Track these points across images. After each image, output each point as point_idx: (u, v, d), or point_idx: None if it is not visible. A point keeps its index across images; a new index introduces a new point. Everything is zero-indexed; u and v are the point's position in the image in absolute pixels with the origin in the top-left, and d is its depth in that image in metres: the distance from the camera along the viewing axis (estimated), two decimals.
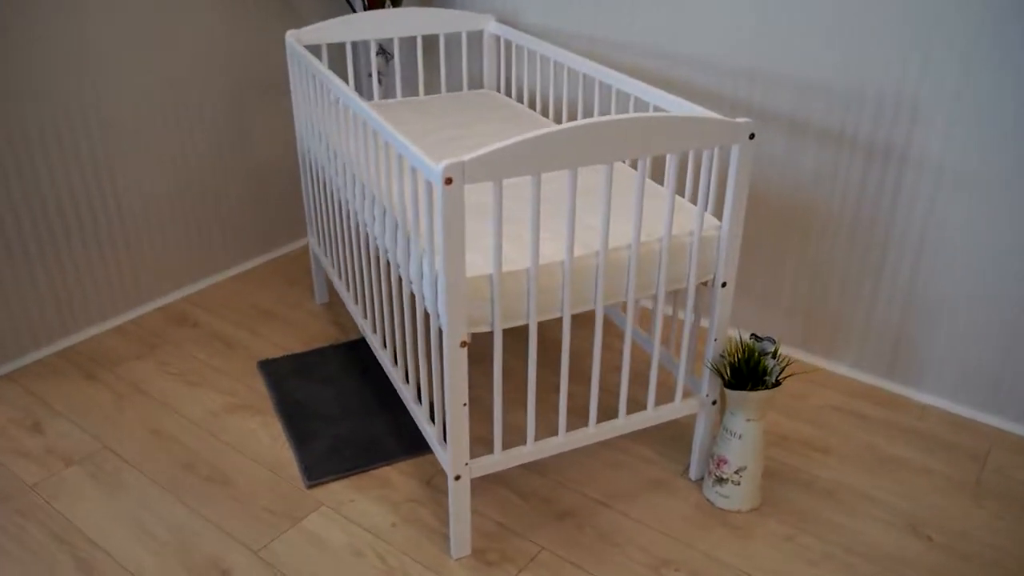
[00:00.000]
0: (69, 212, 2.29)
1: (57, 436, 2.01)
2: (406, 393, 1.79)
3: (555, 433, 1.95)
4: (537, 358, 2.32)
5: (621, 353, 2.28)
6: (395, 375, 1.86)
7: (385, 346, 1.92)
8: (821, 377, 2.24)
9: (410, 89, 2.89)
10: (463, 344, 1.44)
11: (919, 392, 2.14)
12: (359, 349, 2.34)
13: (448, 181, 1.30)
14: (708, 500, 1.81)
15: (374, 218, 1.75)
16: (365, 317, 2.02)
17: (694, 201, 1.87)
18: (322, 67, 1.89)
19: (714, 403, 1.79)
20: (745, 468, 1.74)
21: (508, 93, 2.51)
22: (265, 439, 2.00)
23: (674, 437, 2.01)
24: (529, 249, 1.51)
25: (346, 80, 2.79)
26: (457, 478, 1.57)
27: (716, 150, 1.55)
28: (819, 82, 2.01)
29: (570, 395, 2.16)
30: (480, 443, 1.97)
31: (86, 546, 1.70)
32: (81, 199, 2.30)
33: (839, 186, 2.08)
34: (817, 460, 1.94)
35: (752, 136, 1.51)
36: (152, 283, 2.55)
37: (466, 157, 1.30)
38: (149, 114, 2.40)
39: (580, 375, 2.22)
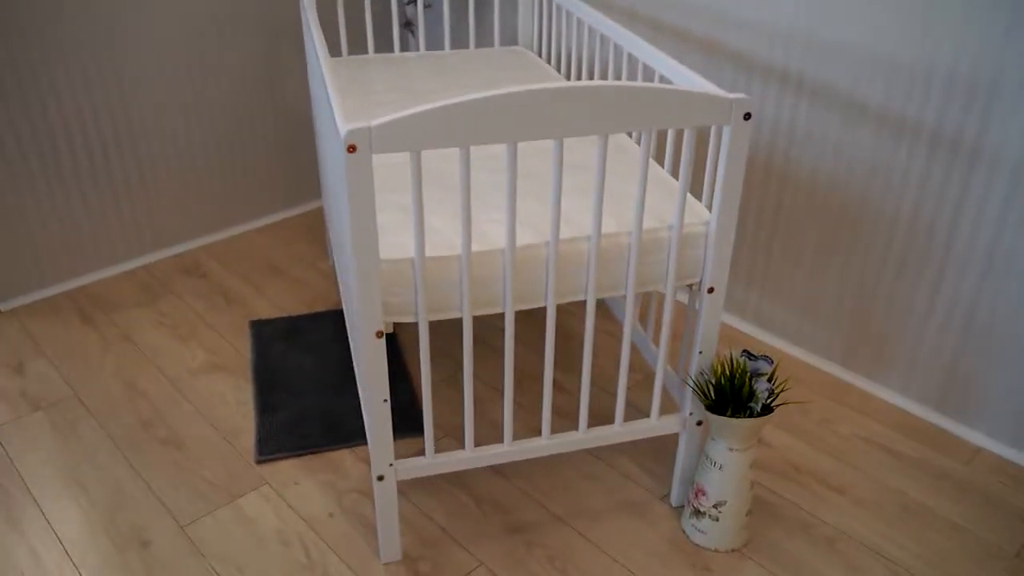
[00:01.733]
0: (81, 153, 2.25)
1: (35, 379, 1.99)
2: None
3: (527, 437, 1.76)
4: (519, 354, 2.12)
5: (608, 334, 2.06)
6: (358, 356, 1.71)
7: None
8: (857, 400, 1.93)
9: (439, 44, 2.69)
10: (379, 335, 1.27)
11: (971, 431, 1.81)
12: None
13: (351, 149, 1.12)
14: (684, 532, 1.58)
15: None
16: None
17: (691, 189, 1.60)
18: (308, 11, 1.73)
19: (699, 424, 1.55)
20: (725, 503, 1.50)
21: (542, 54, 2.28)
22: (231, 404, 1.91)
23: (667, 454, 1.78)
24: (460, 233, 1.31)
25: (364, 25, 2.63)
26: (380, 478, 1.41)
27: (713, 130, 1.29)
28: (883, 54, 1.68)
29: (527, 401, 1.96)
30: (486, 439, 1.80)
31: (18, 493, 1.66)
32: (94, 139, 2.26)
33: (896, 181, 1.75)
34: (826, 499, 1.66)
35: (748, 116, 1.25)
36: (169, 230, 2.50)
37: (374, 122, 1.11)
38: (171, 55, 2.32)
39: (559, 356, 2.01)
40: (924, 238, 1.75)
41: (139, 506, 1.64)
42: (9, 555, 1.53)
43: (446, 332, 2.15)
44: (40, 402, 1.91)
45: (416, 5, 2.35)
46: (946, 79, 1.61)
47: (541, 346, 2.10)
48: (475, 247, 1.29)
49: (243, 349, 2.10)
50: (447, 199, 1.44)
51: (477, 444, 1.78)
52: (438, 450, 1.76)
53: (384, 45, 2.77)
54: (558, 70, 2.23)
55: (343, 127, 1.12)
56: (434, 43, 2.73)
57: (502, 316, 2.22)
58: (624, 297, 1.42)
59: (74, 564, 1.51)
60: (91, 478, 1.70)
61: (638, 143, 1.75)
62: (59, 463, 1.74)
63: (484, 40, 2.61)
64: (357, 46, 2.67)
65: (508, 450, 1.46)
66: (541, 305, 1.34)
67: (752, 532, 1.59)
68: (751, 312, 2.15)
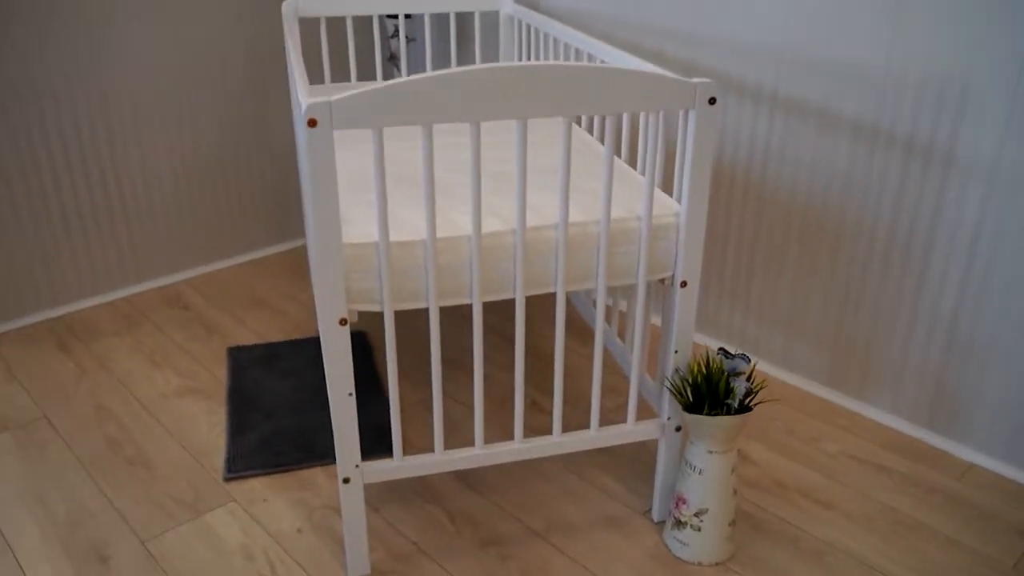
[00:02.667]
0: (66, 184, 2.25)
1: (4, 401, 1.95)
2: None
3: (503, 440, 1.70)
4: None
5: (587, 357, 2.01)
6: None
7: None
8: (845, 420, 1.88)
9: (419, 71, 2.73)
10: (343, 322, 1.24)
11: (962, 447, 1.76)
12: None
13: (312, 123, 1.11)
14: (666, 545, 1.52)
15: None
16: None
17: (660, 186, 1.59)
18: (290, 38, 1.76)
19: (678, 429, 1.50)
20: (707, 511, 1.44)
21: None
22: (204, 426, 1.86)
23: (647, 469, 1.72)
24: (424, 212, 1.29)
25: (347, 57, 2.68)
26: (346, 481, 1.36)
27: (686, 118, 1.29)
28: (854, 65, 1.70)
29: (500, 417, 1.91)
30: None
31: None
32: (79, 171, 2.27)
33: (872, 192, 1.75)
34: (815, 514, 1.60)
35: (713, 101, 1.25)
36: (152, 263, 2.49)
37: (334, 97, 1.11)
38: (157, 89, 2.35)
39: (538, 379, 1.96)
40: (902, 249, 1.73)
41: (101, 522, 1.58)
42: None
43: (419, 350, 2.11)
44: (8, 423, 1.87)
45: (399, 39, 2.40)
46: (917, 87, 1.62)
47: (512, 362, 2.06)
48: (441, 233, 1.27)
49: (219, 375, 2.06)
50: (416, 196, 1.43)
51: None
52: None
53: (367, 77, 2.81)
54: None
55: (304, 101, 1.12)
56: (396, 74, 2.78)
57: (471, 332, 2.18)
58: (595, 297, 1.39)
59: None
60: (53, 496, 1.64)
61: (602, 141, 1.75)
62: (21, 481, 1.68)
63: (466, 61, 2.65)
64: (340, 76, 2.71)
65: (480, 453, 1.42)
66: (509, 296, 1.32)
67: (737, 545, 1.52)
68: (736, 334, 2.11)
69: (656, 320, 2.25)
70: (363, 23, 2.72)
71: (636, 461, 1.75)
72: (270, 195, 2.69)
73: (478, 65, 1.14)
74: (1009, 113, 1.52)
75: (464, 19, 2.58)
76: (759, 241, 1.99)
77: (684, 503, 1.46)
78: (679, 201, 1.40)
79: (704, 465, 1.42)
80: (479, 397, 1.37)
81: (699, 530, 1.46)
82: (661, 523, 1.57)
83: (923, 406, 1.80)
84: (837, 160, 1.79)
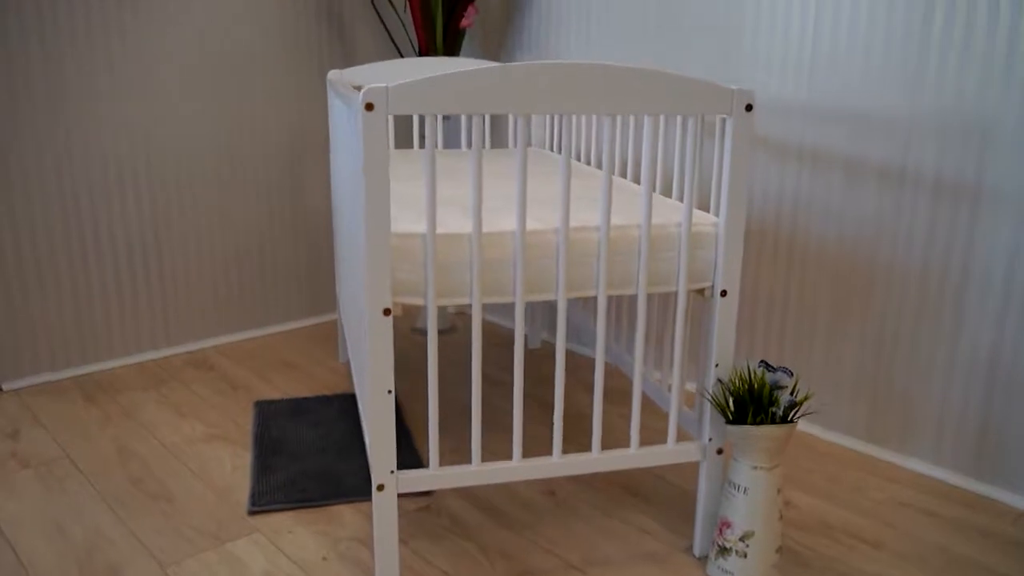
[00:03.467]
0: (106, 247, 2.32)
1: (28, 442, 1.92)
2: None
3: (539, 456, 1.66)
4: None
5: (622, 394, 1.97)
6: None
7: None
8: (887, 470, 1.82)
9: (453, 144, 2.84)
10: (387, 312, 1.25)
11: (1013, 495, 1.69)
12: None
13: (369, 107, 1.17)
14: None
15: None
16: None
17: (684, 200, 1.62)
18: (341, 87, 1.86)
19: (719, 452, 1.46)
20: (753, 534, 1.38)
21: (556, 151, 2.39)
22: (227, 467, 1.82)
23: (686, 511, 1.66)
24: (470, 201, 1.32)
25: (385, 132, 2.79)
26: (380, 488, 1.32)
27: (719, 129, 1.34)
28: (877, 111, 1.77)
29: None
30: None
31: None
32: (120, 235, 2.34)
33: (902, 235, 1.77)
34: (863, 552, 1.52)
35: (749, 108, 1.30)
36: (182, 328, 2.51)
37: (391, 83, 1.17)
38: (201, 166, 2.45)
39: (575, 434, 1.92)
40: (936, 292, 1.74)
41: (119, 548, 1.52)
42: None
43: (451, 404, 2.08)
44: (30, 460, 1.83)
45: (435, 117, 2.51)
46: (939, 129, 1.68)
47: (547, 421, 2.03)
48: (486, 229, 1.29)
49: (245, 425, 2.03)
50: (461, 213, 1.46)
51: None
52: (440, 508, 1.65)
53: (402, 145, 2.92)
54: (578, 159, 2.33)
55: (362, 90, 1.17)
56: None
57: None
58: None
59: None
60: (70, 524, 1.59)
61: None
62: (39, 511, 1.64)
63: (500, 146, 2.76)
64: None
65: (517, 466, 1.38)
66: (551, 297, 1.33)
67: None
68: None
69: (689, 385, 2.22)
70: None
71: (673, 503, 1.69)
72: (303, 270, 2.74)
73: (525, 62, 1.20)
74: None
75: None
76: (791, 295, 2.00)
77: (728, 527, 1.40)
78: (717, 216, 1.43)
79: (749, 483, 1.37)
80: (518, 409, 1.35)
81: (745, 556, 1.39)
82: (704, 559, 1.50)
83: (967, 454, 1.75)
84: (865, 207, 1.82)
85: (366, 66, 2.27)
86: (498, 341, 2.64)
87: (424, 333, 2.72)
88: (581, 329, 2.56)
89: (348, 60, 2.72)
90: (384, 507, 1.33)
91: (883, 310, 1.83)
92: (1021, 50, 1.56)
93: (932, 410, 1.78)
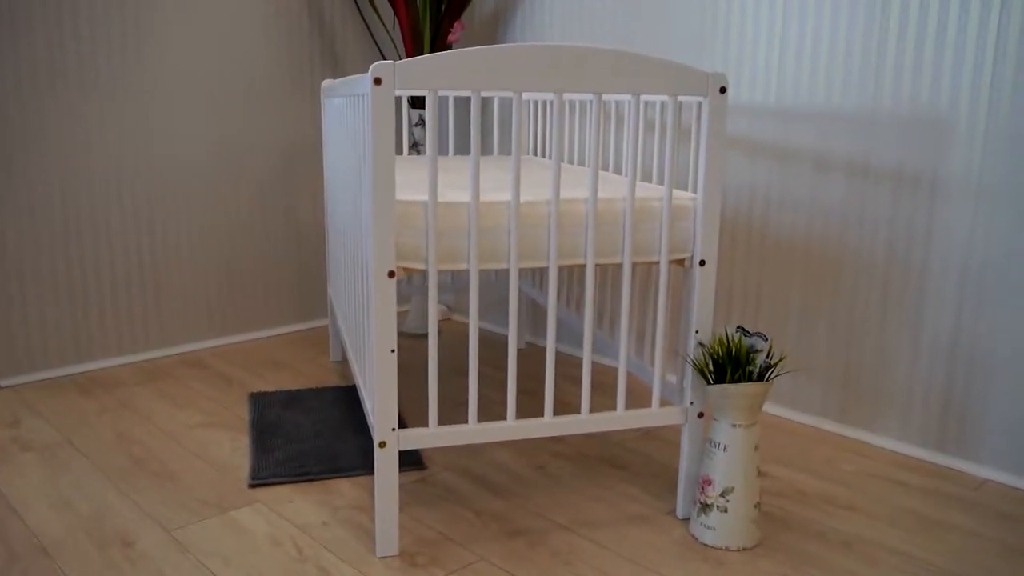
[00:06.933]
0: (104, 251, 2.39)
1: (29, 430, 1.96)
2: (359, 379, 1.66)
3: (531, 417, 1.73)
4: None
5: (608, 387, 2.06)
6: (356, 366, 1.73)
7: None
8: (858, 446, 1.92)
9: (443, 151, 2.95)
10: (391, 275, 1.34)
11: (975, 465, 1.79)
12: (357, 391, 2.23)
13: (377, 81, 1.27)
14: (693, 536, 1.52)
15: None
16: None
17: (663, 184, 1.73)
18: (341, 83, 1.97)
19: (700, 415, 1.55)
20: (732, 490, 1.46)
21: (546, 156, 2.51)
22: (227, 449, 1.88)
23: (669, 482, 1.74)
24: (469, 173, 1.42)
25: None
26: (382, 445, 1.39)
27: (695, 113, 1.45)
28: (843, 108, 1.90)
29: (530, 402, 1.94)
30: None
31: (3, 511, 1.59)
32: (117, 240, 2.41)
33: (867, 224, 1.90)
34: (838, 515, 1.61)
35: (723, 90, 1.42)
36: (175, 330, 2.57)
37: (399, 61, 1.27)
38: (196, 173, 2.54)
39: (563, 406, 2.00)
40: (900, 277, 1.86)
41: (125, 518, 1.57)
42: None
43: (441, 398, 2.16)
44: (32, 445, 1.88)
45: (424, 127, 2.62)
46: (900, 123, 1.82)
47: (538, 401, 2.11)
48: (483, 199, 1.39)
49: (241, 414, 2.09)
50: (461, 191, 1.56)
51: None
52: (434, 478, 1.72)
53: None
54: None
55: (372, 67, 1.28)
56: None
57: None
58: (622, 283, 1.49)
59: (51, 557, 1.43)
60: (77, 499, 1.64)
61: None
62: (46, 489, 1.68)
63: (487, 153, 2.87)
64: None
65: (511, 426, 1.46)
66: (543, 264, 1.42)
67: (764, 535, 1.53)
68: None
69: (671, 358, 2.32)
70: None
71: (656, 474, 1.77)
72: (295, 276, 2.82)
73: (521, 43, 1.31)
74: (984, 138, 1.70)
75: (487, 103, 2.83)
76: (763, 287, 2.11)
77: (710, 484, 1.49)
78: (694, 192, 1.54)
79: (728, 440, 1.46)
80: (512, 372, 1.44)
81: (725, 511, 1.47)
82: (686, 520, 1.58)
83: (932, 429, 1.85)
84: (832, 200, 1.95)
85: (359, 76, 2.38)
86: (487, 344, 2.73)
87: (410, 336, 2.80)
88: (565, 328, 2.65)
89: (338, 73, 2.83)
90: (386, 463, 1.40)
91: (851, 296, 1.95)
92: (969, 52, 1.70)
93: (899, 389, 1.89)
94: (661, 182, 1.82)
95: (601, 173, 1.98)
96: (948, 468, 1.82)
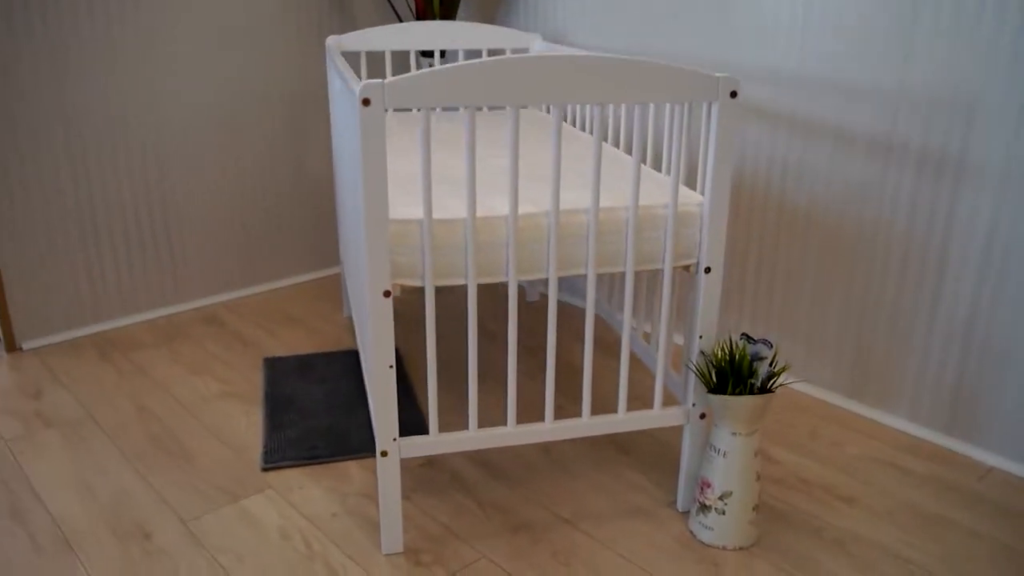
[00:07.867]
0: (115, 210, 2.38)
1: (51, 402, 2.02)
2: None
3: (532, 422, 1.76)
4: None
5: (613, 346, 2.07)
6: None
7: None
8: (866, 426, 1.92)
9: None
10: (387, 294, 1.32)
11: (982, 451, 1.79)
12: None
13: (366, 102, 1.22)
14: (691, 532, 1.55)
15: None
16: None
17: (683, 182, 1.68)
18: (339, 62, 1.89)
19: (702, 416, 1.55)
20: (731, 494, 1.48)
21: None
22: (242, 425, 1.93)
23: (672, 467, 1.76)
24: (465, 189, 1.39)
25: None
26: (384, 454, 1.42)
27: (703, 113, 1.39)
28: (867, 83, 1.80)
29: (541, 388, 1.96)
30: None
31: (27, 496, 1.66)
32: (128, 198, 2.40)
33: (887, 203, 1.83)
34: (836, 508, 1.63)
35: (734, 94, 1.35)
36: (191, 285, 2.59)
37: (388, 79, 1.22)
38: (206, 125, 2.50)
39: (566, 386, 2.02)
40: (918, 259, 1.80)
41: (143, 506, 1.63)
42: (11, 543, 1.52)
43: (452, 359, 2.18)
44: (54, 420, 1.94)
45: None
46: (927, 103, 1.72)
47: (541, 378, 2.12)
48: (479, 213, 1.36)
49: (256, 381, 2.13)
50: (457, 191, 1.52)
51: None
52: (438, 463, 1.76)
53: None
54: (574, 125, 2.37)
55: (356, 86, 1.23)
56: None
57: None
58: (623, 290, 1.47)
59: (74, 551, 1.50)
60: (97, 484, 1.71)
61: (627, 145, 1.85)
62: (67, 472, 1.75)
63: (500, 108, 2.79)
64: None
65: (512, 432, 1.47)
66: (543, 276, 1.40)
67: (761, 533, 1.55)
68: None
69: (677, 338, 2.31)
70: (401, 58, 2.88)
71: (661, 459, 1.79)
72: (306, 225, 2.81)
73: (526, 55, 1.25)
74: (1017, 122, 1.61)
75: (495, 54, 2.73)
76: (779, 258, 2.06)
77: (709, 487, 1.50)
78: (702, 195, 1.48)
79: (728, 447, 1.47)
80: (512, 377, 1.44)
81: (723, 513, 1.49)
82: (686, 513, 1.61)
83: (942, 412, 1.84)
84: (852, 175, 1.88)
85: (359, 32, 2.29)
86: (495, 294, 2.72)
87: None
88: (574, 282, 2.63)
89: (347, 22, 2.73)
90: (388, 470, 1.43)
91: (867, 275, 1.90)
92: (1007, 28, 1.59)
93: (911, 370, 1.87)
94: (669, 168, 1.75)
95: (607, 150, 1.92)
96: (955, 453, 1.82)
